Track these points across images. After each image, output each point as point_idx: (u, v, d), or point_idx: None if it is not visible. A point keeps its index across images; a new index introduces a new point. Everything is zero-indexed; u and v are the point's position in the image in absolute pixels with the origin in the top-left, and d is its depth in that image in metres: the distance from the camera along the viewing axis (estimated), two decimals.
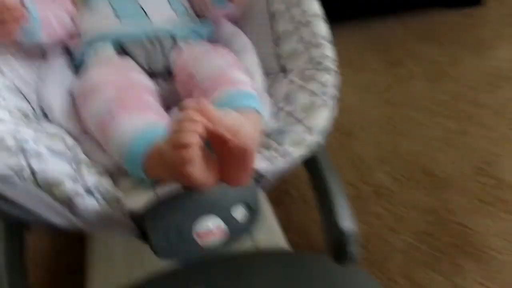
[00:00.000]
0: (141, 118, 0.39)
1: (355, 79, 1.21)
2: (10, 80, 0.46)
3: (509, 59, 1.27)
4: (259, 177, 0.40)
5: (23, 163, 0.35)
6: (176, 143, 0.32)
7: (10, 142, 0.36)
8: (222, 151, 0.34)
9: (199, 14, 0.62)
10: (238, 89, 0.42)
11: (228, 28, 0.59)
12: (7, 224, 0.50)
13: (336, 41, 1.01)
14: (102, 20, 0.54)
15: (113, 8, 0.55)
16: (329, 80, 0.47)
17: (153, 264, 0.52)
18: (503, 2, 1.63)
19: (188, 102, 0.33)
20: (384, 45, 1.37)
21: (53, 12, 0.54)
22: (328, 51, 0.49)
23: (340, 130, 1.03)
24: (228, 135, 0.33)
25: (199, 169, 0.33)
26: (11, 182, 0.35)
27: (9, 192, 0.36)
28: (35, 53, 0.54)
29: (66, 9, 0.57)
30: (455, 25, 1.50)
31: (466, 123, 1.03)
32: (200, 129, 0.32)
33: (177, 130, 0.32)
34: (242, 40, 0.56)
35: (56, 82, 0.49)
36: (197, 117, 0.32)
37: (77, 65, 0.54)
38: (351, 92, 1.16)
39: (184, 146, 0.31)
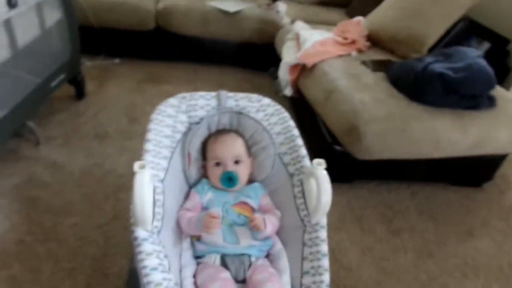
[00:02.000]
0: None
1: (361, 239, 1.45)
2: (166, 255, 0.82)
3: (483, 251, 1.47)
4: None
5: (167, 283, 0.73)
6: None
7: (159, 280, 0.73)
8: None
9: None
10: None
11: (277, 246, 0.94)
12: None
13: (358, 197, 1.55)
14: (217, 241, 0.91)
15: (223, 236, 0.92)
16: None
17: None
18: (504, 191, 1.81)
19: None
20: (391, 212, 1.59)
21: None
22: (325, 264, 0.81)
23: (337, 283, 1.27)
24: None
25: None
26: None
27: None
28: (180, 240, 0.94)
29: None
30: (453, 204, 1.69)
31: None
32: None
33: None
34: (284, 262, 0.90)
35: (188, 265, 0.88)
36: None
37: (197, 256, 0.92)
38: (354, 250, 1.40)
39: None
